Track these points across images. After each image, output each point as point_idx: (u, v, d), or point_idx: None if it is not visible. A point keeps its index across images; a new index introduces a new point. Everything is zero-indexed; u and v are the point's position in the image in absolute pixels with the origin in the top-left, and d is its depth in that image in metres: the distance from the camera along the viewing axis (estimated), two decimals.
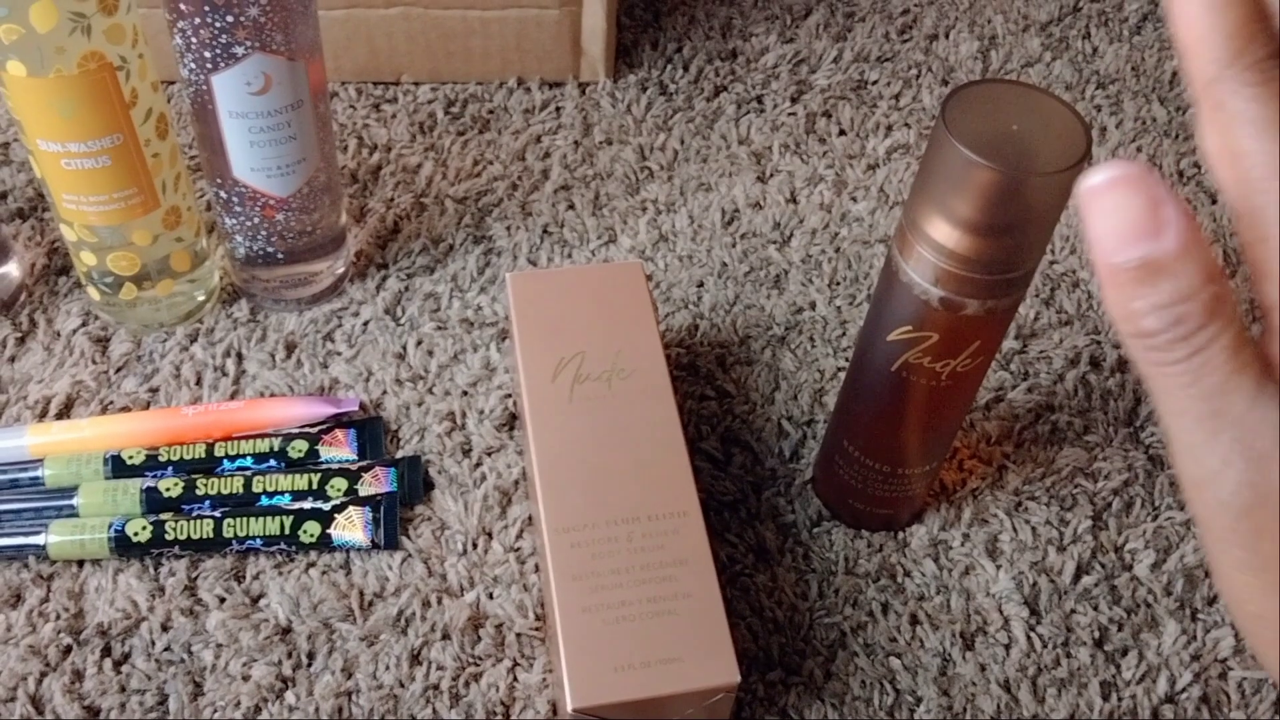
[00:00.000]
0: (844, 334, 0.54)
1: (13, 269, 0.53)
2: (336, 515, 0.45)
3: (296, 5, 0.43)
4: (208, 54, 0.43)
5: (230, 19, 0.41)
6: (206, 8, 0.41)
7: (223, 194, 0.48)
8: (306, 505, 0.45)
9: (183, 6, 0.41)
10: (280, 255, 0.51)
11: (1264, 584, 0.23)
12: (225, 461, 0.47)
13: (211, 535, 0.44)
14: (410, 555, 0.45)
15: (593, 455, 0.42)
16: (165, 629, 0.43)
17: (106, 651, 0.42)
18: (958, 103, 0.34)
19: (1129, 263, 0.22)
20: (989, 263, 0.35)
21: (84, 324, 0.52)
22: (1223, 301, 0.22)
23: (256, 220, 0.49)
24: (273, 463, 0.47)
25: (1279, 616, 0.23)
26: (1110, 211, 0.22)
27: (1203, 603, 0.46)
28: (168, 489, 0.45)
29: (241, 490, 0.45)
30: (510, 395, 0.50)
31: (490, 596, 0.44)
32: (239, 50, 0.42)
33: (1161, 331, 0.22)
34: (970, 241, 0.35)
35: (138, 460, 0.46)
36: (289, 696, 0.42)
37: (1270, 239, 0.21)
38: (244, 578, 0.44)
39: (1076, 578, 0.46)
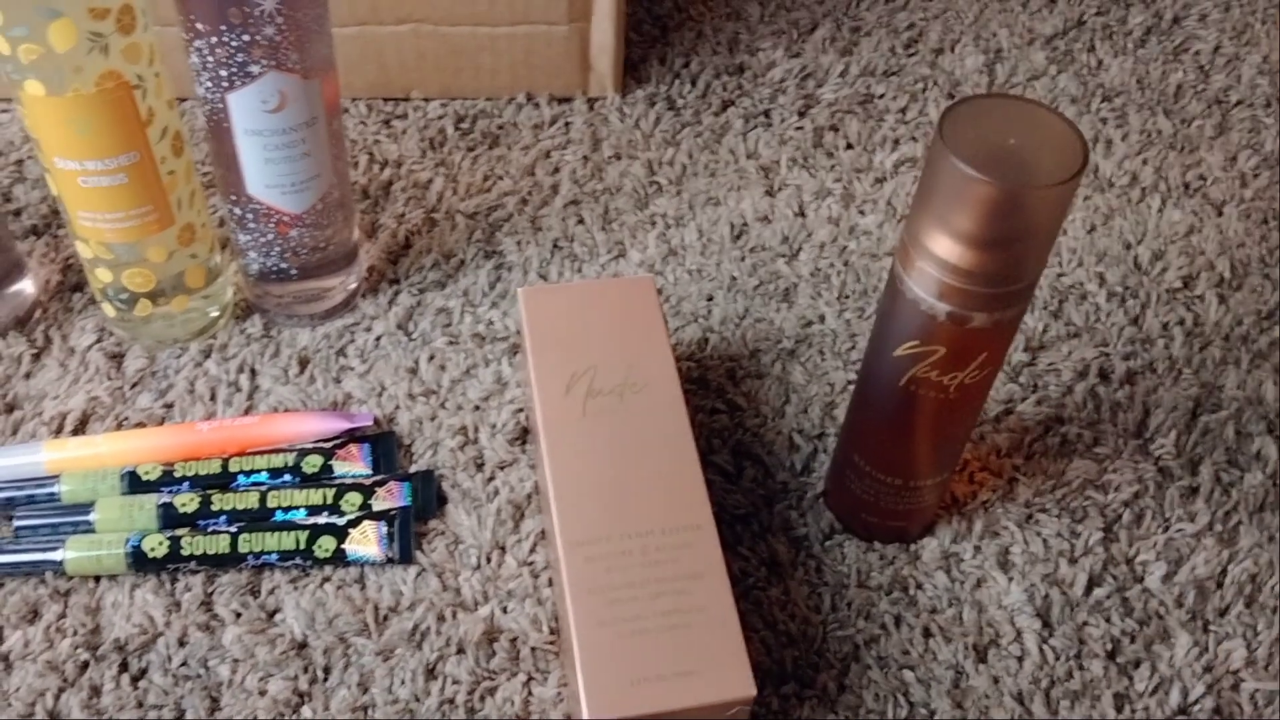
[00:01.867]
0: (854, 347, 0.54)
1: (27, 285, 0.53)
2: (351, 530, 0.45)
3: (312, 24, 0.43)
4: (224, 73, 0.43)
5: (246, 38, 0.42)
6: (223, 27, 0.41)
7: (237, 210, 0.49)
8: (321, 520, 0.46)
9: (199, 26, 0.42)
10: (293, 271, 0.51)
11: None
12: (240, 477, 0.47)
13: (227, 550, 0.44)
14: (424, 570, 0.45)
15: (606, 469, 0.42)
16: (182, 644, 0.43)
17: (124, 667, 0.42)
18: (955, 118, 0.35)
19: None
20: (992, 276, 0.36)
21: (99, 340, 0.52)
22: None
23: (270, 237, 0.49)
24: (287, 478, 0.47)
25: None
26: None
27: (1214, 614, 0.46)
28: (183, 504, 0.45)
29: (256, 505, 0.46)
30: (522, 410, 0.51)
31: (504, 611, 0.44)
32: (255, 69, 0.43)
33: None
34: (973, 255, 0.35)
35: (153, 476, 0.46)
36: (305, 711, 0.42)
37: None
38: (259, 593, 0.45)
39: (1088, 590, 0.46)
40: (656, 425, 0.44)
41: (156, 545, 0.44)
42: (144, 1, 0.43)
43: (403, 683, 0.43)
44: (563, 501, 0.41)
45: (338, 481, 0.47)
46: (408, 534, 0.46)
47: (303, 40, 0.43)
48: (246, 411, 0.50)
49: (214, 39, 0.42)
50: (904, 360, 0.40)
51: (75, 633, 0.43)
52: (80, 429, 0.49)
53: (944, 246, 0.36)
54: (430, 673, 0.43)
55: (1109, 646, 0.45)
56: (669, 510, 0.41)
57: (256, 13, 0.41)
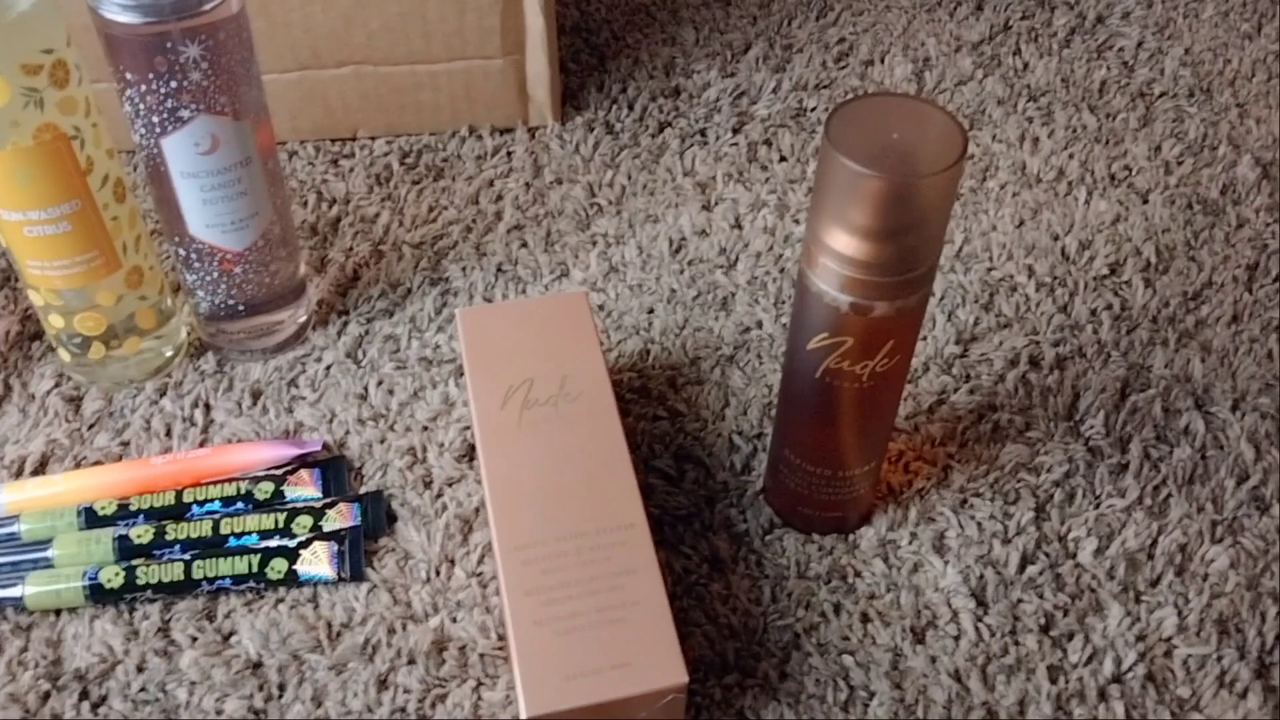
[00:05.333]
0: None
1: None
2: (302, 551, 0.47)
3: (238, 68, 0.45)
4: (155, 119, 0.45)
5: (174, 84, 0.44)
6: (151, 75, 0.43)
7: (182, 251, 0.51)
8: (273, 543, 0.47)
9: (129, 75, 0.44)
10: (241, 307, 0.53)
11: None
12: (194, 507, 0.48)
13: (182, 577, 0.46)
14: (375, 586, 0.47)
15: (542, 476, 0.44)
16: (140, 670, 0.44)
17: (84, 695, 0.44)
18: (839, 120, 0.36)
19: None
20: (889, 265, 0.38)
21: (57, 385, 0.54)
22: None
23: (216, 275, 0.51)
24: (240, 505, 0.49)
25: None
26: None
27: (1146, 585, 0.47)
28: (139, 536, 0.47)
29: (210, 533, 0.47)
30: (469, 427, 0.52)
31: (454, 620, 0.46)
32: (185, 113, 0.45)
33: None
34: (868, 247, 0.37)
35: (109, 511, 0.48)
36: None
37: None
38: (215, 617, 0.46)
39: (1022, 568, 0.48)
40: (590, 431, 0.45)
41: (113, 576, 0.45)
42: (77, 56, 0.45)
43: (355, 695, 0.44)
44: (500, 509, 0.43)
45: (289, 506, 0.49)
46: (358, 552, 0.47)
47: (230, 84, 0.45)
48: (201, 445, 0.52)
49: (143, 87, 0.44)
50: (817, 353, 0.42)
51: (37, 665, 0.44)
52: (40, 470, 0.51)
53: (841, 241, 0.38)
54: (382, 684, 0.44)
55: (1042, 621, 0.46)
56: (603, 511, 0.43)
57: (182, 60, 0.43)
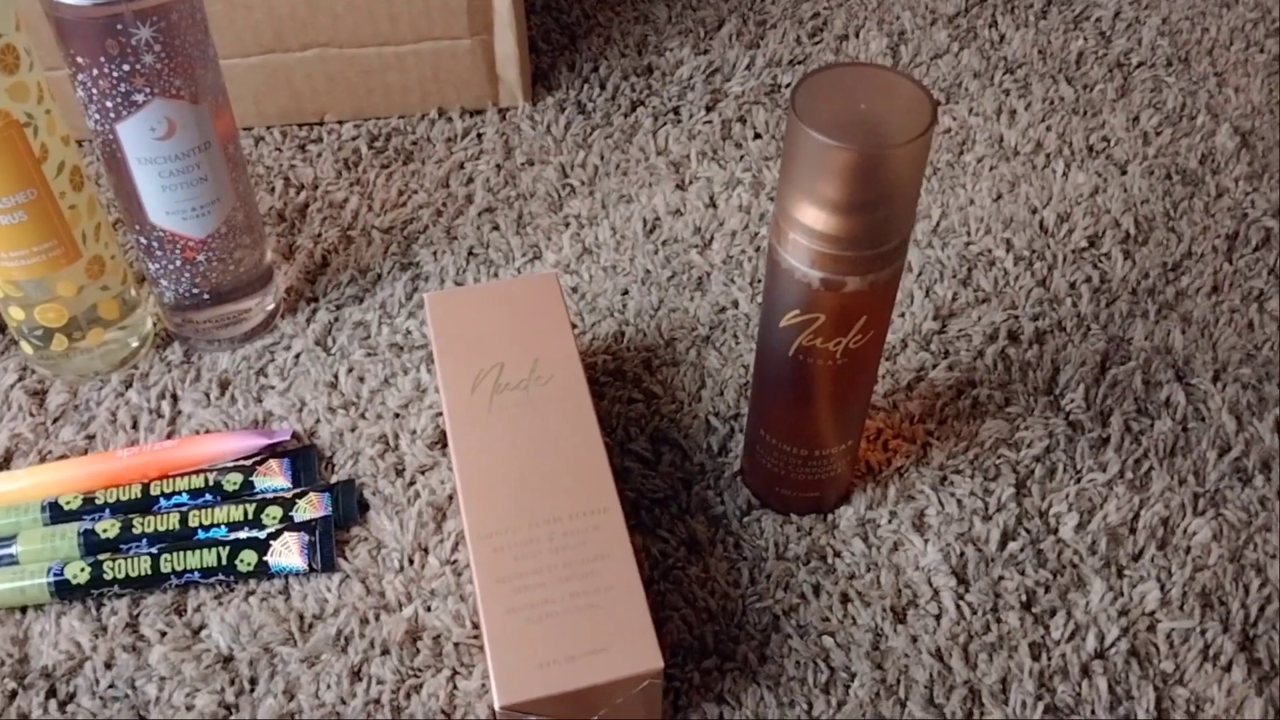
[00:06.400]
0: None
1: None
2: (273, 542, 0.46)
3: (193, 50, 0.44)
4: (110, 103, 0.44)
5: (126, 67, 0.43)
6: (102, 58, 0.42)
7: (143, 240, 0.50)
8: (243, 535, 0.46)
9: (80, 59, 0.43)
10: (206, 296, 0.52)
11: None
12: (161, 499, 0.47)
13: (149, 571, 0.45)
14: (348, 576, 0.46)
15: (513, 461, 0.43)
16: (109, 667, 0.44)
17: (52, 693, 0.43)
18: (805, 91, 0.36)
19: None
20: (859, 239, 0.37)
21: (20, 379, 0.53)
22: None
23: (179, 263, 0.50)
24: (208, 497, 0.48)
25: None
26: None
27: (1128, 559, 0.47)
28: (105, 530, 0.46)
29: (178, 526, 0.46)
30: (441, 413, 0.51)
31: (428, 609, 0.45)
32: (139, 97, 0.44)
33: None
34: (838, 221, 0.36)
35: (75, 505, 0.47)
36: None
37: None
38: (185, 611, 0.45)
39: (1002, 544, 0.47)
40: (562, 414, 0.44)
41: (79, 572, 0.44)
42: (28, 41, 0.44)
43: (328, 687, 0.43)
44: (470, 495, 0.42)
45: (258, 496, 0.48)
46: (329, 542, 0.46)
47: (185, 66, 0.44)
48: (168, 436, 0.51)
49: (95, 71, 0.43)
50: (790, 330, 0.41)
51: (2, 664, 0.43)
52: (4, 465, 0.50)
53: (810, 215, 0.37)
54: (356, 675, 0.43)
55: (1024, 598, 0.46)
56: (575, 496, 0.42)
57: (134, 42, 0.42)
